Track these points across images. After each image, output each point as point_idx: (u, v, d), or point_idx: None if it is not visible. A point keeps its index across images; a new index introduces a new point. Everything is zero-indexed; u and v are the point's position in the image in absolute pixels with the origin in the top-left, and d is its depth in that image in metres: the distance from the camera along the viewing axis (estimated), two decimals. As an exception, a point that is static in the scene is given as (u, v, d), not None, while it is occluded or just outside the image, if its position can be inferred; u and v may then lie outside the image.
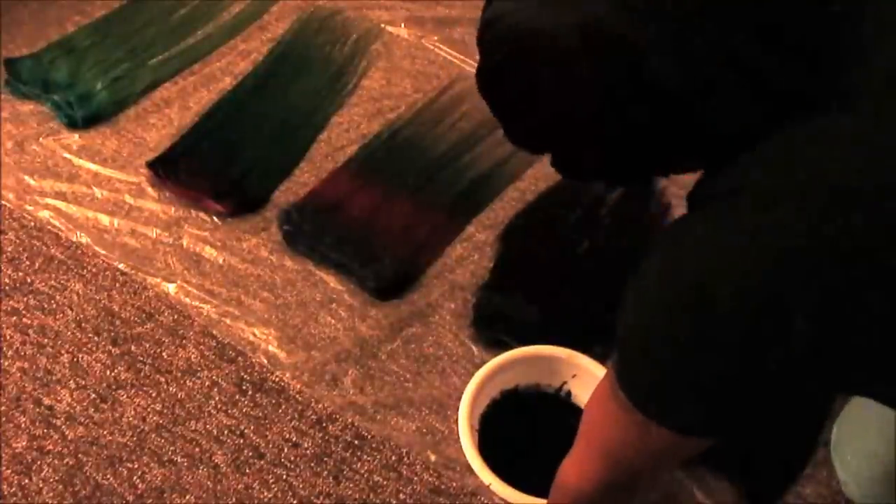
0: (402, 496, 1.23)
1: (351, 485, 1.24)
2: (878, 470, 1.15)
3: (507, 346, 1.30)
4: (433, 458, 1.27)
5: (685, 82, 0.67)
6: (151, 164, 1.57)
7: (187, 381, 1.34)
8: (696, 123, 0.70)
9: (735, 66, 0.67)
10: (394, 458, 1.26)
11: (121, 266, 1.46)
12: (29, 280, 1.44)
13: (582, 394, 1.28)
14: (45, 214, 1.52)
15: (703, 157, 0.75)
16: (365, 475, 1.25)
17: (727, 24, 0.66)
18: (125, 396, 1.32)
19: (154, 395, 1.32)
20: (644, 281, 0.72)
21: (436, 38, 1.84)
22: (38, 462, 1.25)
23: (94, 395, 1.32)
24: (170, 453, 1.26)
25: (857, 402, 1.24)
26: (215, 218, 1.53)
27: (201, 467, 1.25)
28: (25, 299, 1.42)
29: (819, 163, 0.65)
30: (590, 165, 0.81)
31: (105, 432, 1.28)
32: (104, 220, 1.52)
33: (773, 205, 0.65)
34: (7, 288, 1.43)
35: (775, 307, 0.64)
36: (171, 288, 1.44)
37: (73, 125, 1.65)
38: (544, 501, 1.12)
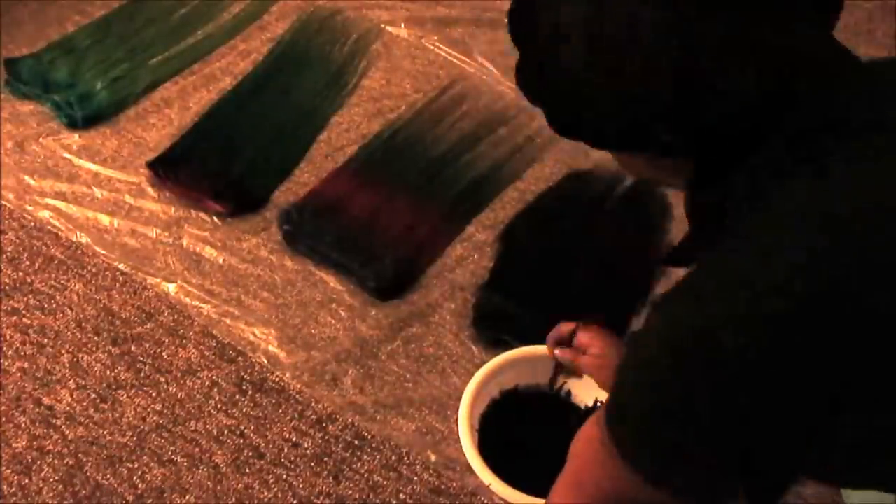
0: (402, 496, 1.23)
1: (351, 485, 1.24)
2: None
3: (507, 346, 1.30)
4: (433, 458, 1.27)
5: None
6: (151, 164, 1.57)
7: (187, 381, 1.34)
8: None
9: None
10: (394, 458, 1.26)
11: (121, 266, 1.46)
12: (29, 280, 1.44)
13: (582, 394, 1.28)
14: (45, 214, 1.52)
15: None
16: (365, 475, 1.25)
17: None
18: (125, 396, 1.32)
19: (154, 395, 1.32)
20: (645, 339, 0.71)
21: (436, 38, 1.84)
22: (38, 462, 1.25)
23: (94, 395, 1.32)
24: (170, 453, 1.26)
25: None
26: (215, 218, 1.53)
27: (201, 467, 1.25)
28: (25, 299, 1.42)
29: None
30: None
31: (105, 432, 1.28)
32: (104, 220, 1.52)
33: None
34: (7, 288, 1.43)
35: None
36: (171, 288, 1.44)
37: (73, 125, 1.65)
38: (544, 501, 1.12)
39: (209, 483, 1.24)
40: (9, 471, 1.24)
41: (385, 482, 1.24)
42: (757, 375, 0.64)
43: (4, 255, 1.47)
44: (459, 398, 1.22)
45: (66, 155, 1.61)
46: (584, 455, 0.82)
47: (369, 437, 1.28)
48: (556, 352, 1.21)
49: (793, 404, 0.65)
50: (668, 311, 0.71)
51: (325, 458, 1.26)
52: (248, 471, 1.25)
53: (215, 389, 1.33)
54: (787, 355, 0.63)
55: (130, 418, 1.29)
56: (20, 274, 1.45)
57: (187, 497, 1.22)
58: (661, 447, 0.70)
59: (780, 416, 0.65)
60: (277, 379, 1.34)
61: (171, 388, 1.33)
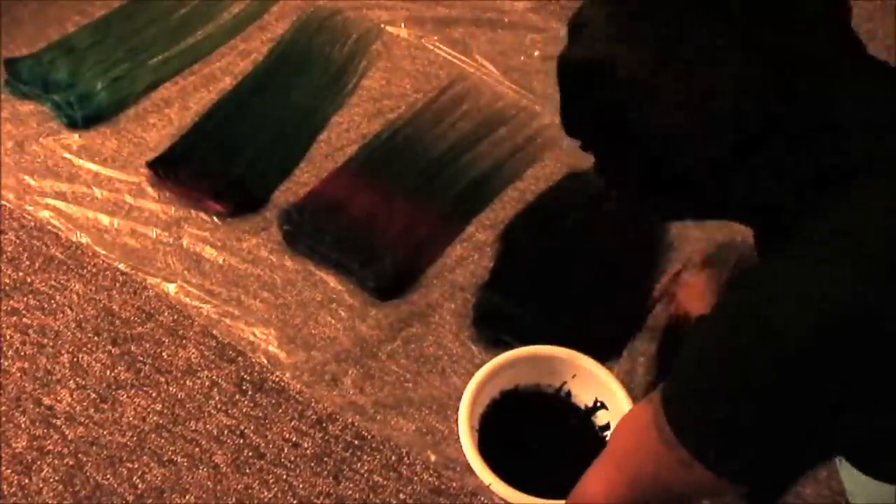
0: (402, 496, 1.23)
1: (351, 485, 1.24)
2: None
3: (507, 346, 1.30)
4: (433, 458, 1.27)
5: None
6: (151, 164, 1.57)
7: (187, 381, 1.34)
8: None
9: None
10: (394, 458, 1.26)
11: (121, 266, 1.46)
12: (29, 280, 1.44)
13: (582, 394, 1.28)
14: (45, 214, 1.52)
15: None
16: (365, 475, 1.25)
17: None
18: (125, 396, 1.32)
19: (154, 395, 1.32)
20: (716, 324, 0.74)
21: (436, 38, 1.84)
22: (38, 462, 1.25)
23: (94, 395, 1.32)
24: (170, 453, 1.26)
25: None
26: (215, 218, 1.53)
27: (201, 467, 1.25)
28: (25, 299, 1.42)
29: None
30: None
31: (105, 432, 1.28)
32: (104, 220, 1.52)
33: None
34: (7, 288, 1.43)
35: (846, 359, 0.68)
36: (171, 288, 1.44)
37: (73, 125, 1.65)
38: (544, 501, 1.12)
39: (209, 483, 1.24)
40: (9, 471, 1.24)
41: (385, 482, 1.24)
42: (813, 367, 0.68)
43: (4, 255, 1.47)
44: (459, 398, 1.22)
45: (66, 155, 1.61)
46: (629, 437, 0.83)
47: (369, 437, 1.28)
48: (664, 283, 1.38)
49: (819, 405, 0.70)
50: (735, 300, 0.74)
51: (325, 458, 1.26)
52: (248, 471, 1.25)
53: (215, 389, 1.33)
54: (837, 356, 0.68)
55: (130, 418, 1.29)
56: (20, 274, 1.45)
57: (187, 497, 1.22)
58: (716, 426, 0.72)
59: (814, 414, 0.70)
60: (277, 379, 1.34)
61: (171, 388, 1.33)
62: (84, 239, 1.49)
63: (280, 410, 1.31)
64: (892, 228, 0.68)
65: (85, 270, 1.46)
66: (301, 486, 1.24)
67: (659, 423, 0.75)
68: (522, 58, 1.77)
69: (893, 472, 0.85)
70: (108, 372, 1.34)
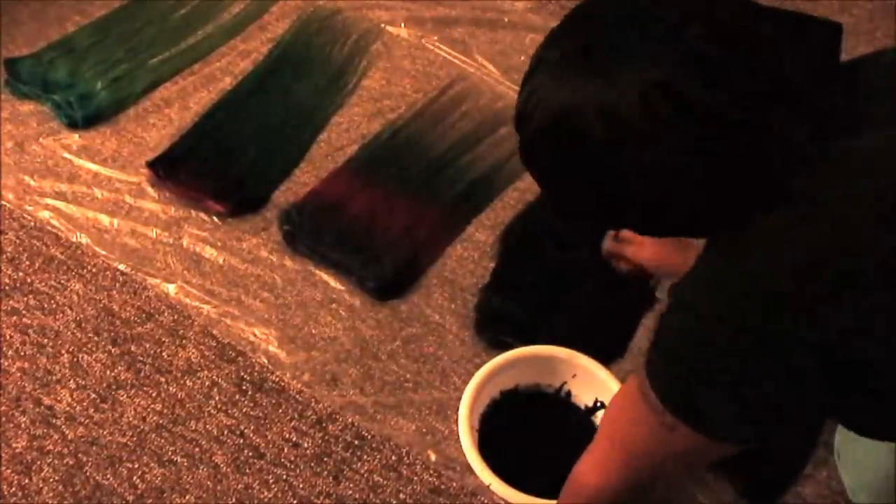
0: (402, 496, 1.23)
1: (351, 485, 1.24)
2: (882, 474, 1.15)
3: (507, 346, 1.30)
4: (433, 458, 1.27)
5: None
6: (151, 164, 1.57)
7: (187, 381, 1.34)
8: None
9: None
10: (394, 458, 1.26)
11: (121, 266, 1.46)
12: (29, 280, 1.44)
13: (582, 394, 1.28)
14: (45, 214, 1.52)
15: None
16: (365, 475, 1.25)
17: None
18: (125, 396, 1.32)
19: (154, 395, 1.32)
20: (691, 288, 0.77)
21: (436, 38, 1.84)
22: (38, 462, 1.25)
23: (94, 395, 1.32)
24: (170, 453, 1.26)
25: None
26: (215, 218, 1.53)
27: (201, 467, 1.25)
28: (25, 299, 1.42)
29: None
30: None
31: (105, 432, 1.28)
32: (104, 220, 1.52)
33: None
34: (7, 288, 1.43)
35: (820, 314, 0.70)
36: (171, 288, 1.44)
37: (73, 125, 1.65)
38: (544, 501, 1.12)
39: (209, 483, 1.24)
40: (9, 471, 1.24)
41: (385, 482, 1.24)
42: (793, 313, 0.71)
43: (4, 255, 1.47)
44: (459, 398, 1.22)
45: (66, 155, 1.61)
46: (619, 410, 0.87)
47: (369, 437, 1.28)
48: (608, 245, 1.36)
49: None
50: (712, 267, 0.77)
51: (325, 458, 1.26)
52: (248, 471, 1.25)
53: (215, 389, 1.33)
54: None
55: (130, 418, 1.29)
56: (20, 274, 1.45)
57: (187, 497, 1.22)
58: (695, 382, 0.75)
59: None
60: (277, 379, 1.34)
61: (171, 388, 1.33)
62: (84, 239, 1.49)
63: (280, 410, 1.31)
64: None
65: (85, 270, 1.46)
66: (301, 486, 1.24)
67: (643, 389, 0.78)
68: (522, 58, 1.77)
69: (887, 431, 0.87)
70: (108, 372, 1.34)
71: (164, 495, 1.22)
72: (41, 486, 1.23)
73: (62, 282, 1.44)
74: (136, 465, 1.25)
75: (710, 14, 0.72)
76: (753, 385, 0.74)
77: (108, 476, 1.24)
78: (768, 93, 0.72)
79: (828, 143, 0.74)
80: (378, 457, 1.27)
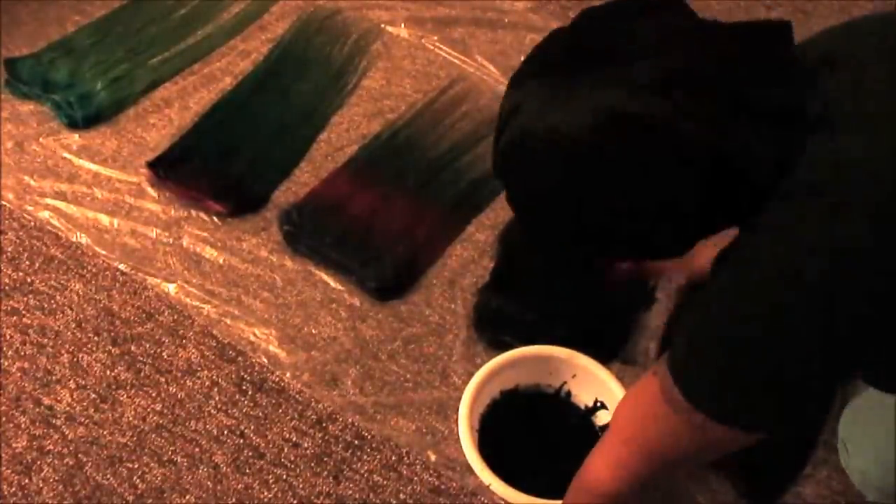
0: (402, 496, 1.23)
1: (351, 485, 1.24)
2: (888, 466, 1.15)
3: (507, 346, 1.30)
4: (433, 458, 1.27)
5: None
6: (151, 164, 1.57)
7: (187, 381, 1.34)
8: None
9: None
10: (394, 458, 1.27)
11: (121, 266, 1.46)
12: (29, 280, 1.44)
13: (582, 394, 1.28)
14: (45, 214, 1.52)
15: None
16: (365, 475, 1.25)
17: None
18: (125, 396, 1.32)
19: (154, 395, 1.32)
20: (716, 288, 0.77)
21: (436, 38, 1.84)
22: (38, 462, 1.25)
23: (94, 395, 1.32)
24: (170, 453, 1.26)
25: (861, 399, 1.24)
26: (215, 218, 1.53)
27: (201, 467, 1.25)
28: (25, 299, 1.42)
29: None
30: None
31: (105, 432, 1.28)
32: (104, 220, 1.52)
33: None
34: (7, 288, 1.43)
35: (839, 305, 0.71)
36: (171, 288, 1.44)
37: (73, 125, 1.65)
38: (544, 501, 1.12)
39: (209, 483, 1.24)
40: (9, 471, 1.24)
41: (385, 482, 1.24)
42: (828, 305, 0.71)
43: (4, 255, 1.47)
44: (459, 398, 1.22)
45: (66, 155, 1.61)
46: (634, 412, 0.86)
47: (369, 437, 1.28)
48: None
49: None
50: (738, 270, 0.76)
51: (325, 458, 1.26)
52: (248, 471, 1.25)
53: (215, 389, 1.33)
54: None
55: (130, 418, 1.30)
56: (20, 274, 1.45)
57: (187, 497, 1.22)
58: (732, 381, 0.75)
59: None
60: (277, 379, 1.34)
61: (171, 388, 1.33)
62: (84, 239, 1.49)
63: (280, 410, 1.31)
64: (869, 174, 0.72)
65: (85, 270, 1.46)
66: (301, 486, 1.24)
67: (667, 391, 0.77)
68: (522, 58, 1.77)
69: None
70: (108, 372, 1.34)
71: (164, 495, 1.22)
72: (41, 486, 1.23)
73: (62, 282, 1.44)
74: (136, 465, 1.25)
75: (662, 41, 0.74)
76: (790, 371, 0.74)
77: (108, 476, 1.24)
78: (727, 108, 0.72)
79: (804, 140, 0.74)
80: (378, 457, 1.27)
